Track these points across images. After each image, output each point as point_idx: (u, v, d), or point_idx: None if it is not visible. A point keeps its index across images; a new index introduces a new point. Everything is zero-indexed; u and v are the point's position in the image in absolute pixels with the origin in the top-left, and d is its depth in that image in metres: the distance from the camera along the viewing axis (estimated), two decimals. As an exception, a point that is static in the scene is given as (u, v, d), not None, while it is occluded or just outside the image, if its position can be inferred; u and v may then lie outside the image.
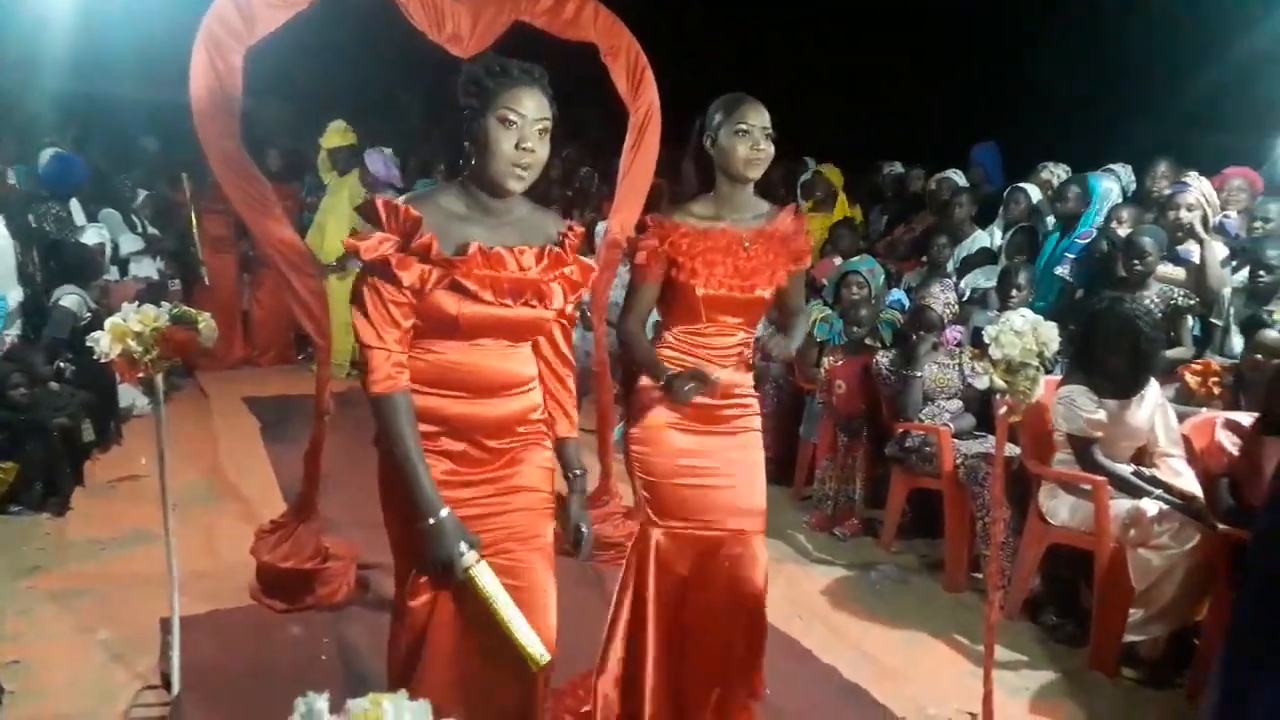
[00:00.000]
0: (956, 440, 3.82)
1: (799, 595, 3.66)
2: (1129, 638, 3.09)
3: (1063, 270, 4.37)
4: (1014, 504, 3.56)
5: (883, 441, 4.14)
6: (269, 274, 6.20)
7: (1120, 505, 3.14)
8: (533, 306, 1.86)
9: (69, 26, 6.54)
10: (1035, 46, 6.43)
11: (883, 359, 4.09)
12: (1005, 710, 2.81)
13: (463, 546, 1.75)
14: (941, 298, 3.97)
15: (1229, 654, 2.16)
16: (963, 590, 3.75)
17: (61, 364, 4.58)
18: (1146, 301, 3.73)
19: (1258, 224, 4.07)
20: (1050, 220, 4.90)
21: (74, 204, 5.72)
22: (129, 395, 5.26)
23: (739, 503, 2.39)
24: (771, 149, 2.28)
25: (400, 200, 1.80)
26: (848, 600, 3.65)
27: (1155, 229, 3.99)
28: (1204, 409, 3.47)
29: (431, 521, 1.75)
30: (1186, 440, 3.19)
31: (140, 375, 2.42)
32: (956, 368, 4.00)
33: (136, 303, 2.49)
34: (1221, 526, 2.93)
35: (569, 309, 2.00)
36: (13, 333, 4.65)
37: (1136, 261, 3.83)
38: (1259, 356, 3.42)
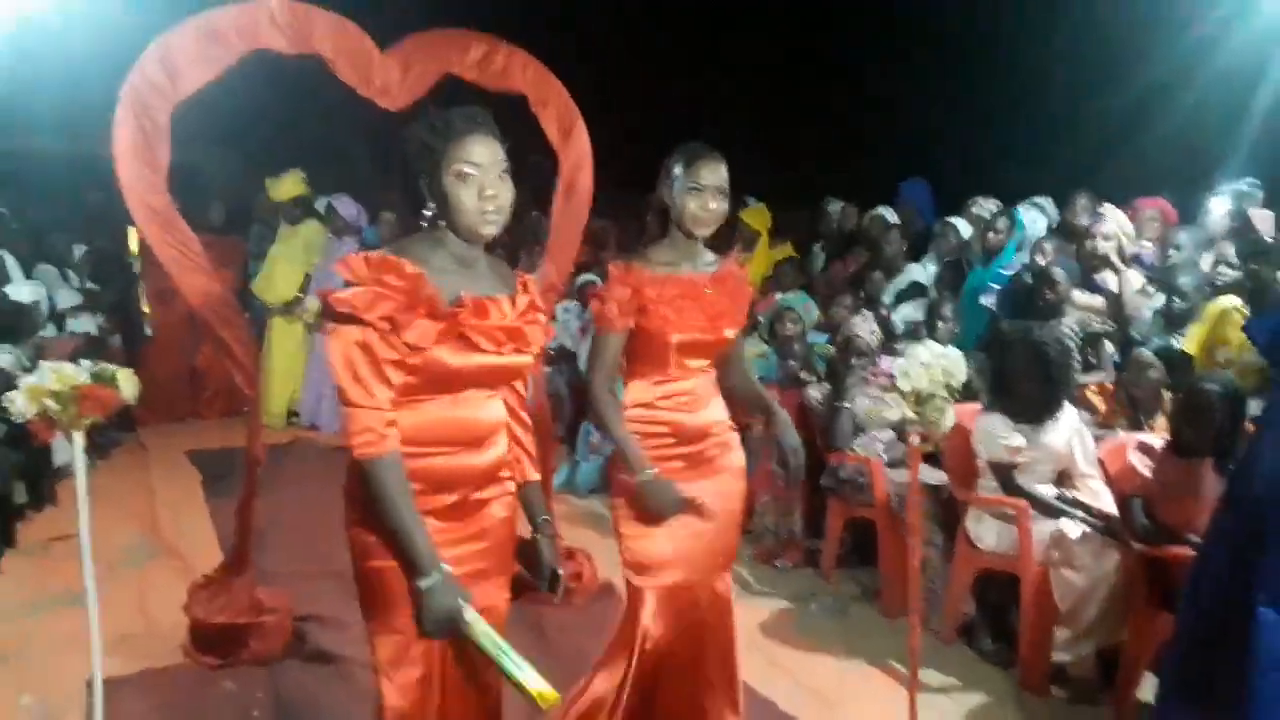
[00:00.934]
0: (889, 469, 3.90)
1: (739, 628, 3.66)
2: (1057, 657, 3.15)
3: (988, 301, 4.50)
4: (944, 530, 3.64)
5: (820, 473, 4.21)
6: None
7: (1043, 528, 3.23)
8: (521, 353, 1.87)
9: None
10: (962, 80, 6.66)
11: (814, 391, 4.18)
12: (937, 733, 2.87)
13: (461, 601, 1.74)
14: (864, 328, 4.08)
15: (1165, 686, 2.25)
16: (900, 617, 3.80)
17: (-9, 425, 4.51)
18: (1064, 329, 3.86)
19: (1171, 253, 4.25)
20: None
21: (8, 260, 5.67)
22: (66, 453, 5.18)
23: (721, 550, 2.40)
24: (724, 207, 2.29)
25: (383, 254, 1.76)
26: (787, 632, 3.69)
27: (1066, 260, 4.16)
28: (1119, 432, 3.59)
29: (430, 581, 1.72)
30: (1101, 463, 3.29)
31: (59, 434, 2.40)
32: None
33: (58, 360, 2.49)
34: (1137, 546, 3.03)
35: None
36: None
37: (1049, 291, 3.98)
38: (1140, 375, 3.59)
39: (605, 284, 2.33)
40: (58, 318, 5.95)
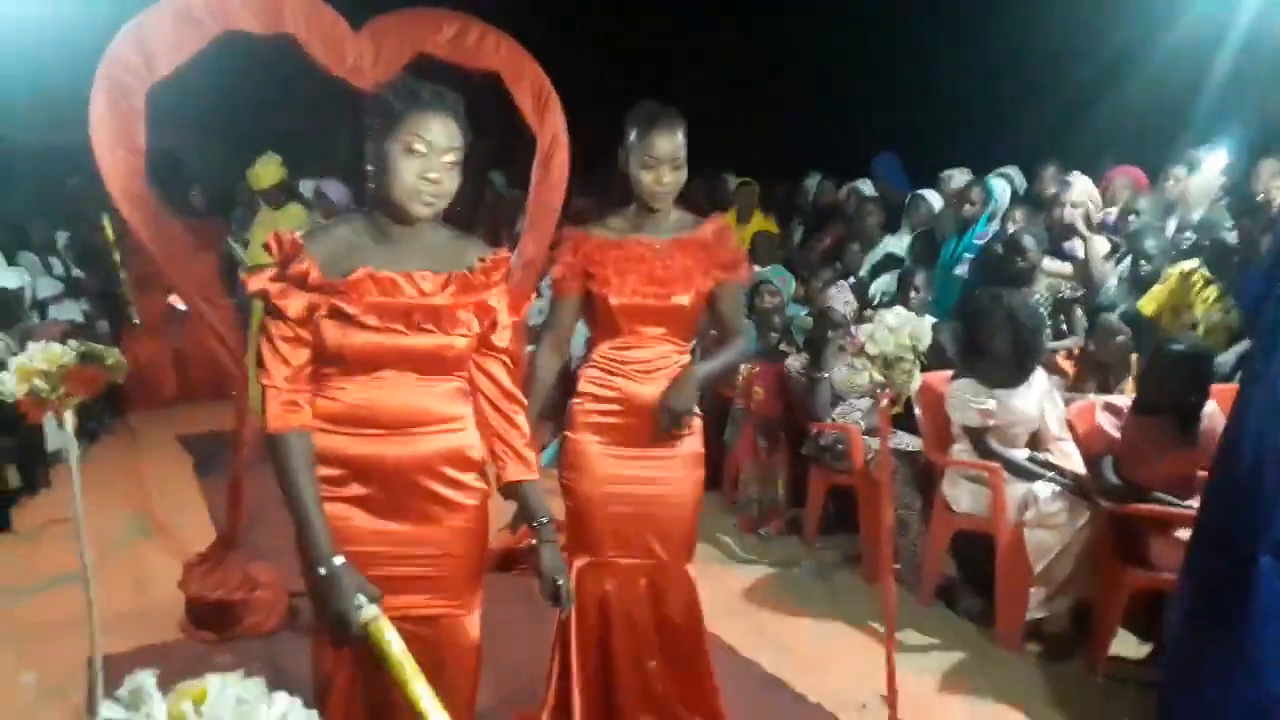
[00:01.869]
0: (867, 437, 3.99)
1: (725, 595, 3.77)
2: (1032, 615, 3.23)
3: (962, 270, 4.58)
4: (922, 495, 3.73)
5: (801, 443, 4.29)
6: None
7: (1016, 489, 3.31)
8: (430, 332, 1.75)
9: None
10: (929, 55, 6.70)
11: (793, 362, 4.25)
12: (914, 690, 2.95)
13: (360, 599, 1.63)
14: (840, 299, 4.15)
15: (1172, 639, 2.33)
16: (880, 580, 3.89)
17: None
18: (1036, 296, 3.95)
19: (1132, 217, 4.33)
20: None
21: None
22: (58, 439, 5.23)
23: (670, 531, 2.36)
24: (679, 178, 2.24)
25: (290, 231, 1.74)
26: (771, 597, 3.78)
27: (1035, 228, 4.23)
28: (1090, 395, 3.68)
29: (323, 571, 1.65)
30: (1070, 425, 3.38)
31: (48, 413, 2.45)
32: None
33: (44, 341, 2.53)
34: (1106, 504, 3.11)
35: (500, 341, 1.89)
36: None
37: (1019, 258, 4.05)
38: (1106, 339, 3.68)
39: (559, 249, 2.34)
40: (40, 305, 5.98)
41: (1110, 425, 3.29)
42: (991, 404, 3.36)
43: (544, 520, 1.92)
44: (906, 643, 3.31)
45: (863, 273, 5.27)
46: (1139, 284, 4.04)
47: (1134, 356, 3.78)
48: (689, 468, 2.38)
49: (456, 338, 1.79)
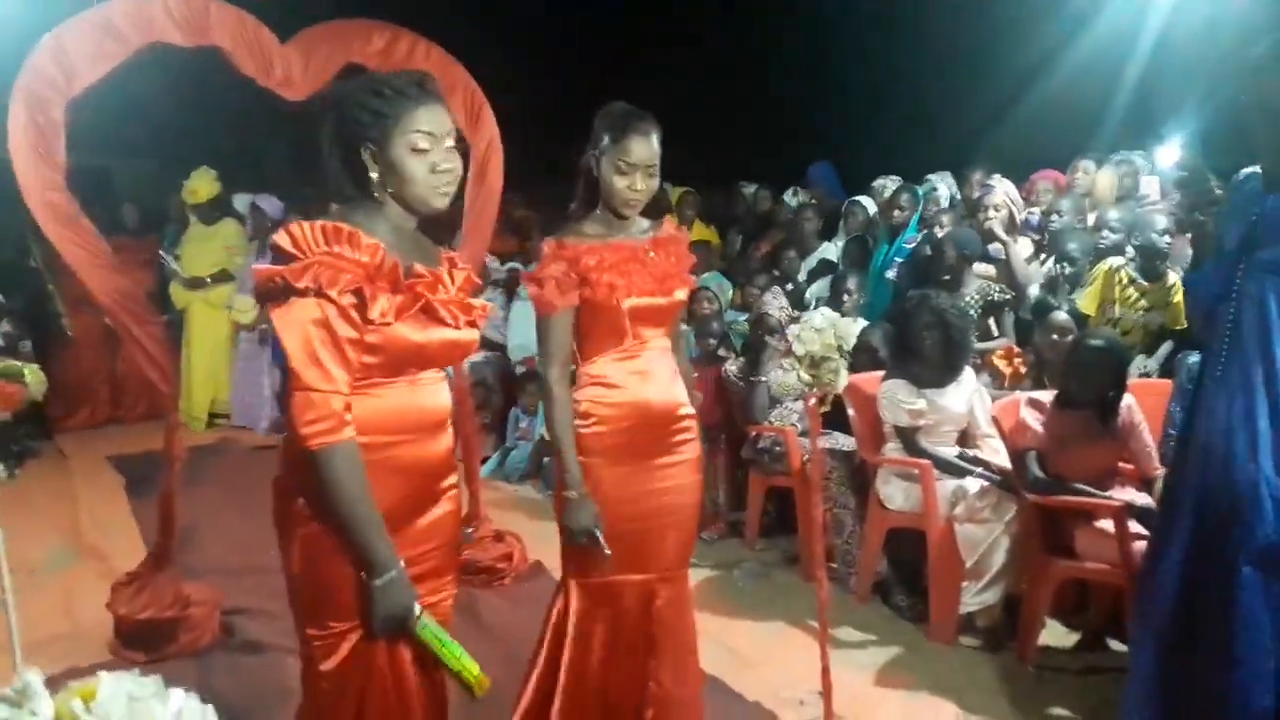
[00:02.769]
0: (804, 439, 4.04)
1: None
2: (966, 608, 3.30)
3: (892, 274, 4.69)
4: (857, 494, 3.80)
5: (740, 447, 4.35)
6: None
7: (946, 485, 3.39)
8: (473, 327, 1.77)
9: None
10: (865, 62, 6.86)
11: (731, 367, 4.31)
12: (851, 684, 3.01)
13: (412, 599, 1.67)
14: (775, 304, 4.22)
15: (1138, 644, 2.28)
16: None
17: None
18: (966, 298, 4.05)
19: (1053, 218, 4.47)
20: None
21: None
22: (-20, 464, 5.08)
23: (671, 547, 2.26)
24: (653, 185, 2.14)
25: (334, 223, 1.60)
26: (711, 598, 3.80)
27: (961, 231, 4.35)
28: (1016, 392, 3.78)
29: (387, 579, 1.62)
30: (996, 421, 3.47)
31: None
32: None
33: (-40, 361, 2.48)
34: (1031, 496, 3.20)
35: None
36: None
37: (943, 261, 4.15)
38: (1054, 337, 3.77)
39: (539, 265, 2.15)
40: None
41: (1034, 420, 3.38)
42: (921, 404, 3.44)
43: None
44: (843, 639, 3.37)
45: (800, 278, 5.36)
46: (1065, 284, 4.17)
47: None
48: (695, 472, 2.32)
49: (478, 331, 1.81)
